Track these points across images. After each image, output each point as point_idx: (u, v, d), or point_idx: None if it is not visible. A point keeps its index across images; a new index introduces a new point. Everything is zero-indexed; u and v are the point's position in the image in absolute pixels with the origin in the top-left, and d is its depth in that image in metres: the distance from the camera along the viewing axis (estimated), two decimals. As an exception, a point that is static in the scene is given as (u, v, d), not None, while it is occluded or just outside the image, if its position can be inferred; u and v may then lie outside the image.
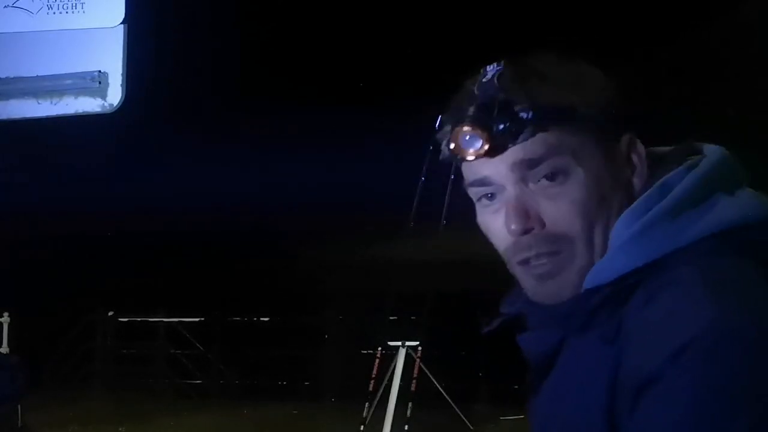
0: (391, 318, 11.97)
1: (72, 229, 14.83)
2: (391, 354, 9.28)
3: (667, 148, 1.22)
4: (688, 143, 1.21)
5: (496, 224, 1.15)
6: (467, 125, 1.10)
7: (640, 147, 1.16)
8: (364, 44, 12.46)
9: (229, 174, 14.65)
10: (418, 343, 9.24)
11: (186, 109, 14.04)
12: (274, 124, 13.59)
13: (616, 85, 1.17)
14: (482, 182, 1.15)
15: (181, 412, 12.48)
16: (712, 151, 1.17)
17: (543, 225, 1.12)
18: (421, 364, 9.21)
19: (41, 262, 15.83)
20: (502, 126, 1.10)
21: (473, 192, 1.17)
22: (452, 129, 1.12)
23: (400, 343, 9.22)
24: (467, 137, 1.11)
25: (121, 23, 2.73)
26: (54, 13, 2.77)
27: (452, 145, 1.12)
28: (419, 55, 11.42)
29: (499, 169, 1.13)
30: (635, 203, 1.12)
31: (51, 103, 2.77)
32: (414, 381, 9.16)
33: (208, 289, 16.39)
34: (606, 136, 1.13)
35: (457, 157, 1.13)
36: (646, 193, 1.12)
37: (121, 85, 2.72)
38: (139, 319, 16.09)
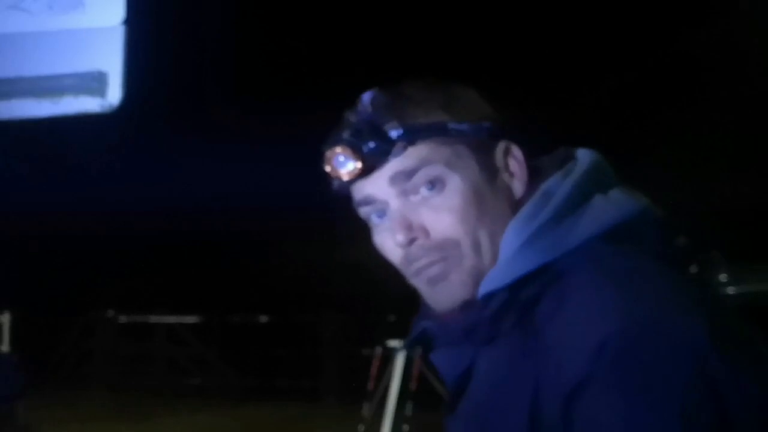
0: (390, 318, 11.98)
1: (72, 228, 14.83)
2: (391, 354, 9.28)
3: (543, 156, 1.26)
4: (563, 149, 1.25)
5: (388, 242, 1.21)
6: (339, 147, 1.18)
7: (517, 152, 1.20)
8: (365, 44, 12.46)
9: (229, 174, 14.65)
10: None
11: (186, 108, 14.05)
12: (274, 124, 13.59)
13: (491, 102, 1.22)
14: (367, 201, 1.21)
15: (181, 412, 12.48)
16: (583, 154, 1.22)
17: (427, 234, 1.17)
18: (421, 364, 9.21)
19: (41, 262, 15.83)
20: (372, 145, 1.16)
21: (363, 212, 1.23)
22: (327, 151, 1.20)
23: (399, 343, 9.22)
24: (341, 159, 1.18)
25: (121, 23, 2.73)
26: (54, 13, 2.78)
27: (328, 168, 1.20)
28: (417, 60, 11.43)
29: (379, 186, 1.19)
30: (521, 212, 1.17)
31: (51, 103, 2.77)
32: (414, 381, 9.16)
33: (207, 289, 16.39)
34: (480, 145, 1.18)
35: (336, 180, 1.21)
36: (529, 202, 1.17)
37: (121, 85, 2.72)
38: (138, 319, 16.09)
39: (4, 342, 11.28)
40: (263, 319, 15.81)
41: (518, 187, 1.20)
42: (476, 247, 1.16)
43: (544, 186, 1.18)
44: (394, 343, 9.35)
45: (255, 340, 15.59)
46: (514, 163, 1.20)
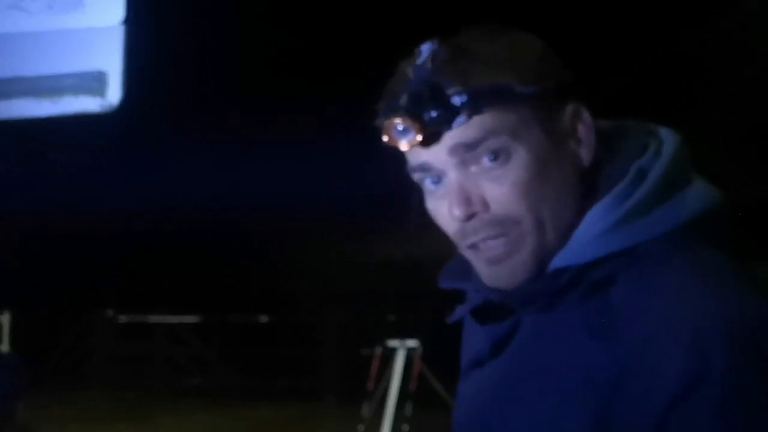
0: (390, 318, 11.98)
1: (71, 228, 14.83)
2: (391, 354, 9.29)
3: (608, 123, 1.19)
4: (636, 122, 1.19)
5: (442, 210, 1.13)
6: (399, 117, 1.08)
7: (587, 117, 1.12)
8: (366, 43, 12.46)
9: (229, 174, 14.65)
10: (417, 342, 9.25)
11: (186, 108, 14.04)
12: (275, 124, 13.59)
13: (555, 54, 1.13)
14: (423, 168, 1.13)
15: (180, 412, 12.49)
16: (668, 134, 1.15)
17: (487, 208, 1.10)
18: (420, 363, 9.21)
19: (41, 262, 15.83)
20: (435, 114, 1.08)
21: (416, 177, 1.15)
22: (385, 121, 1.10)
23: (399, 343, 9.23)
24: (399, 128, 1.09)
25: (121, 23, 2.73)
26: (54, 12, 2.78)
27: (386, 138, 1.10)
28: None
29: (437, 154, 1.10)
30: (617, 188, 1.10)
31: (51, 102, 2.77)
32: (413, 381, 9.17)
33: (207, 289, 16.39)
34: (547, 110, 1.10)
35: (393, 147, 1.11)
36: (626, 179, 1.10)
37: (121, 85, 2.72)
38: (138, 319, 16.10)
39: (4, 342, 11.28)
40: (263, 319, 15.82)
41: (586, 154, 1.12)
42: (539, 224, 1.09)
43: (638, 164, 1.11)
44: (394, 343, 9.35)
45: (255, 340, 15.61)
46: (583, 128, 1.12)
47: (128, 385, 14.92)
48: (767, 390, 0.96)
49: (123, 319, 16.12)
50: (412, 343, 9.22)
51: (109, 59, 2.73)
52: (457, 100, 1.07)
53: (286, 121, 13.51)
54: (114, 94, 2.72)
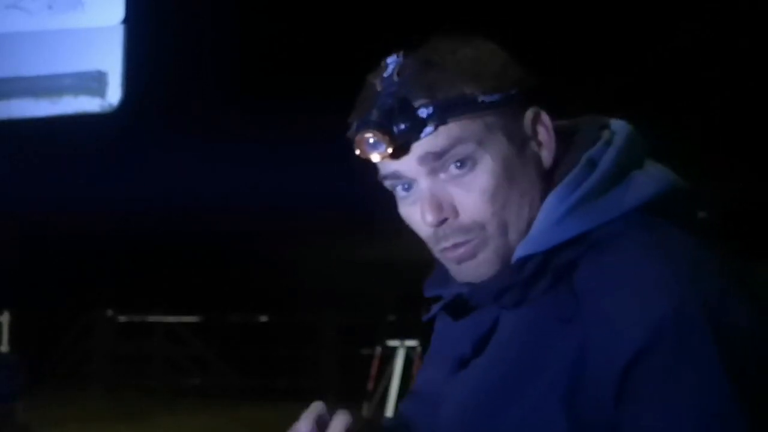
0: (390, 318, 11.96)
1: (71, 228, 14.82)
2: (391, 354, 9.28)
3: (568, 121, 1.25)
4: (591, 117, 1.24)
5: (415, 216, 1.19)
6: (369, 131, 1.14)
7: (545, 119, 1.18)
8: (367, 43, 12.44)
9: (229, 174, 14.64)
10: (417, 342, 9.24)
11: (186, 108, 14.04)
12: (274, 124, 13.59)
13: (516, 61, 1.18)
14: (394, 176, 1.19)
15: (180, 412, 12.48)
16: (619, 125, 1.22)
17: (457, 214, 1.16)
18: (420, 363, 9.21)
19: (41, 262, 15.82)
20: (403, 127, 1.13)
21: (388, 184, 1.21)
22: (356, 135, 1.16)
23: (399, 343, 9.22)
24: (371, 141, 1.15)
25: (121, 23, 2.73)
26: (54, 12, 2.77)
27: (358, 151, 1.17)
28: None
29: (407, 163, 1.16)
30: (565, 180, 1.15)
31: (51, 102, 2.77)
32: (413, 381, 9.16)
33: (207, 289, 16.38)
34: (510, 116, 1.16)
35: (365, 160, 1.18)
36: (576, 169, 1.16)
37: (121, 85, 2.72)
38: (138, 319, 16.09)
39: (3, 342, 11.27)
40: (263, 319, 15.81)
41: (547, 156, 1.18)
42: (503, 226, 1.16)
43: (588, 154, 1.17)
44: (394, 343, 9.35)
45: (255, 340, 15.59)
46: (543, 130, 1.18)
47: (128, 385, 14.91)
48: (713, 361, 1.02)
49: (123, 319, 16.10)
50: (411, 343, 9.22)
51: (108, 59, 2.73)
52: (423, 112, 1.12)
53: (286, 121, 13.50)
54: (114, 94, 2.72)
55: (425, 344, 9.93)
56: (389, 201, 1.37)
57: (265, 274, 15.89)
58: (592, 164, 1.16)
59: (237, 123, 14.03)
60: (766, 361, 1.03)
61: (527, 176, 1.17)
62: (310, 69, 13.36)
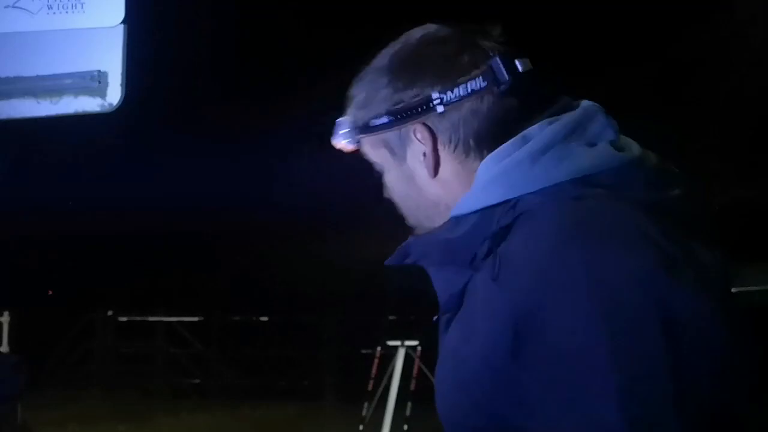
0: (390, 318, 11.97)
1: (72, 228, 14.83)
2: (391, 354, 9.29)
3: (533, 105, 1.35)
4: (566, 100, 1.33)
5: None
6: (332, 138, 1.42)
7: (420, 134, 1.32)
8: (365, 45, 12.44)
9: (229, 174, 14.66)
10: (417, 342, 9.25)
11: (185, 108, 14.04)
12: (274, 124, 13.59)
13: (402, 79, 1.33)
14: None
15: (180, 412, 12.49)
16: (582, 106, 1.30)
17: None
18: (420, 363, 9.21)
19: (41, 262, 15.83)
20: (344, 138, 1.40)
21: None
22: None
23: (399, 343, 9.23)
24: (339, 143, 1.42)
25: (121, 23, 2.73)
26: (53, 12, 2.78)
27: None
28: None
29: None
30: (497, 149, 1.27)
31: (51, 102, 2.77)
32: (413, 380, 9.17)
33: (207, 289, 16.39)
34: (394, 134, 1.34)
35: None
36: (508, 141, 1.27)
37: (121, 85, 2.72)
38: (138, 319, 16.10)
39: (3, 342, 11.28)
40: (263, 319, 15.82)
41: (429, 163, 1.33)
42: (423, 219, 1.37)
43: (525, 131, 1.27)
44: (394, 343, 9.35)
45: (255, 340, 15.60)
46: (419, 144, 1.32)
47: (128, 385, 14.92)
48: (595, 322, 1.10)
49: (123, 319, 16.11)
50: (412, 343, 9.22)
51: (109, 59, 2.73)
52: (346, 134, 1.39)
53: (286, 121, 13.51)
54: (114, 94, 2.72)
55: (425, 344, 9.96)
56: (390, 201, 1.41)
57: (266, 274, 15.90)
58: (527, 139, 1.26)
59: (237, 123, 14.04)
60: (639, 326, 1.09)
61: (423, 181, 1.34)
62: (310, 69, 13.36)
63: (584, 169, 1.22)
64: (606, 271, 1.12)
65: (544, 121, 1.27)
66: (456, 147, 1.31)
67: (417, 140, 1.32)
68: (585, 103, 1.30)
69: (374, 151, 1.38)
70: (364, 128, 1.36)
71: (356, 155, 1.41)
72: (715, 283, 1.18)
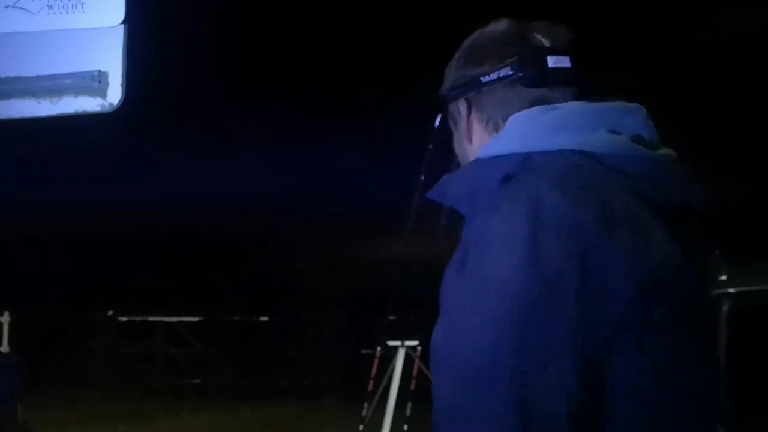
0: (390, 318, 11.96)
1: (72, 228, 14.83)
2: (391, 354, 9.27)
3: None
4: (609, 96, 1.47)
5: None
6: None
7: (459, 108, 1.53)
8: (365, 45, 12.46)
9: (229, 174, 14.66)
10: (417, 342, 9.24)
11: (186, 109, 14.05)
12: (274, 124, 13.59)
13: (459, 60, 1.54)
14: None
15: (181, 412, 12.49)
16: (621, 102, 1.44)
17: None
18: (420, 363, 9.20)
19: (41, 262, 15.83)
20: (433, 102, 1.59)
21: None
22: None
23: (399, 343, 9.22)
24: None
25: (121, 23, 2.73)
26: (54, 13, 2.77)
27: None
28: (420, 57, 11.42)
29: None
30: (527, 110, 1.43)
31: (51, 102, 2.77)
32: (413, 381, 9.16)
33: (207, 289, 16.39)
34: (456, 104, 1.53)
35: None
36: (538, 107, 1.42)
37: (121, 85, 2.72)
38: (138, 319, 16.10)
39: (3, 342, 11.28)
40: (263, 319, 15.82)
41: (470, 135, 1.51)
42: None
43: (559, 104, 1.43)
44: (394, 342, 9.34)
45: (255, 340, 15.60)
46: (462, 117, 1.52)
47: (128, 385, 14.92)
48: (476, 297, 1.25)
49: (124, 319, 16.11)
50: (412, 343, 9.21)
51: (109, 59, 2.72)
52: (434, 99, 1.58)
53: (286, 122, 13.51)
54: (114, 94, 2.72)
55: (425, 344, 9.92)
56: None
57: (266, 274, 15.90)
58: (554, 109, 1.42)
59: (237, 123, 14.04)
60: (583, 256, 1.23)
61: (465, 146, 1.53)
62: (310, 69, 13.37)
63: (593, 145, 1.35)
64: (486, 245, 1.28)
65: (580, 102, 1.42)
66: (488, 123, 1.49)
67: (461, 112, 1.52)
68: (629, 103, 1.43)
69: (448, 117, 1.57)
70: (440, 97, 1.56)
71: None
72: (663, 275, 1.26)
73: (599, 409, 1.22)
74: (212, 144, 14.09)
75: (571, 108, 1.41)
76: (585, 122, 1.39)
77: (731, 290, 3.08)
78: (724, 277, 3.09)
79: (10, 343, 11.22)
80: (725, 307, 3.00)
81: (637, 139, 1.38)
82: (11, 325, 11.45)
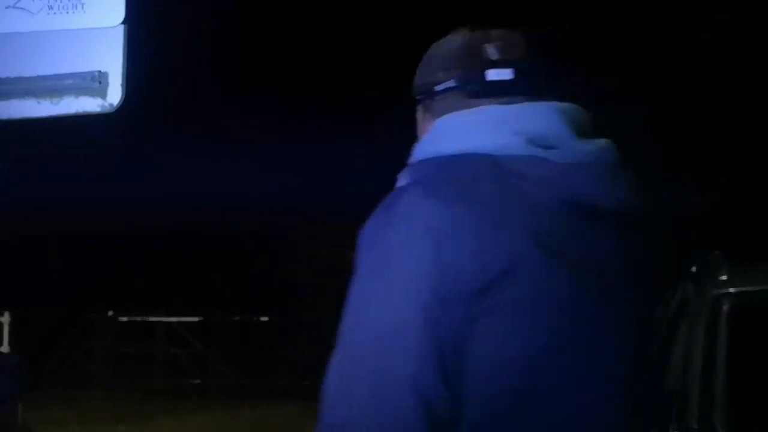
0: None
1: (72, 228, 14.83)
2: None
3: None
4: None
5: None
6: None
7: (420, 109, 1.63)
8: (365, 45, 12.46)
9: (229, 174, 14.66)
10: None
11: (186, 109, 14.05)
12: (274, 124, 13.59)
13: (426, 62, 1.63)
14: None
15: (181, 412, 12.49)
16: (536, 104, 1.52)
17: None
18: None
19: (41, 262, 15.83)
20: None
21: None
22: None
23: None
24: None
25: (121, 23, 2.73)
26: (54, 13, 2.78)
27: None
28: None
29: None
30: (444, 116, 1.55)
31: (51, 103, 2.77)
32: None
33: (207, 289, 16.39)
34: (418, 107, 1.63)
35: None
36: (458, 111, 1.53)
37: (121, 85, 2.72)
38: (138, 319, 16.09)
39: (3, 342, 11.28)
40: (263, 319, 15.82)
41: (420, 135, 1.60)
42: None
43: (476, 107, 1.54)
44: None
45: (255, 340, 15.60)
46: (419, 121, 1.62)
47: (128, 385, 14.91)
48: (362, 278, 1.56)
49: (124, 319, 16.11)
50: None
51: (109, 59, 2.73)
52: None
53: (286, 122, 13.52)
54: (114, 94, 2.72)
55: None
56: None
57: (266, 274, 15.90)
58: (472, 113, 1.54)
59: (237, 123, 14.04)
60: (438, 246, 1.37)
61: None
62: (309, 70, 13.37)
63: (487, 148, 1.45)
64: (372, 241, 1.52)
65: (497, 106, 1.51)
66: None
67: (418, 116, 1.62)
68: (548, 103, 1.51)
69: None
70: (410, 98, 1.65)
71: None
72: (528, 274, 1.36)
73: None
74: (212, 144, 14.10)
75: (483, 112, 1.50)
76: (491, 126, 1.48)
77: (731, 290, 3.07)
78: (724, 277, 3.09)
79: (10, 343, 11.23)
80: (725, 307, 3.00)
81: (536, 139, 1.46)
82: (11, 325, 11.46)
